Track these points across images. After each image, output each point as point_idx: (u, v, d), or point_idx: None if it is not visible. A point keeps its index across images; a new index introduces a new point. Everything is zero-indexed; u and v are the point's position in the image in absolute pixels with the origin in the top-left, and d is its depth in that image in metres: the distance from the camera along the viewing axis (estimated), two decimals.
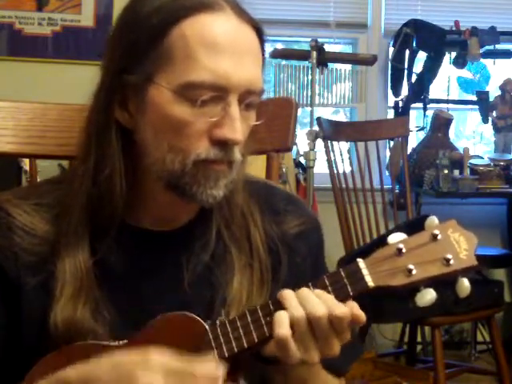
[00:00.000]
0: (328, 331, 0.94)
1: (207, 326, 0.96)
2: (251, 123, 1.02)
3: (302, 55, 3.21)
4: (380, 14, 3.94)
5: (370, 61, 3.27)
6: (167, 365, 0.88)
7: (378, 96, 3.96)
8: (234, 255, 1.08)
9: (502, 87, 3.88)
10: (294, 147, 3.18)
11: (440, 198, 3.55)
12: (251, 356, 0.98)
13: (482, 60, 3.89)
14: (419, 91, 3.83)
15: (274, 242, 1.11)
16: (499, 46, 3.87)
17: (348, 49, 4.08)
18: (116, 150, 1.01)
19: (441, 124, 3.75)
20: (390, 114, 3.95)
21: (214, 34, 0.97)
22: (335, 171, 2.99)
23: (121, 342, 0.97)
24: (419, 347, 3.65)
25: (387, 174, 3.60)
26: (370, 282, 0.96)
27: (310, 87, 3.18)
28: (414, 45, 3.80)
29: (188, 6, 0.97)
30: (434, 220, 1.00)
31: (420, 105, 3.88)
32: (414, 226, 1.00)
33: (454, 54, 3.86)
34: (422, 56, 3.85)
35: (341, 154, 3.02)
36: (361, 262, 0.97)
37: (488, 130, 4.02)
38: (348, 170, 3.06)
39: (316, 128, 3.01)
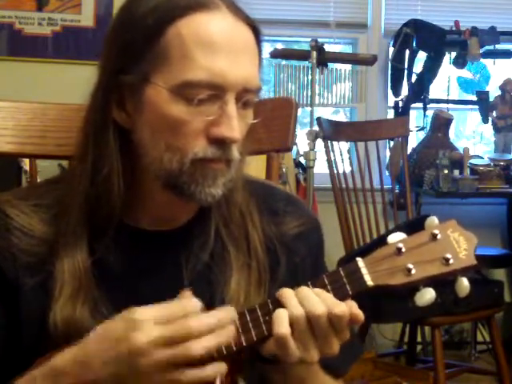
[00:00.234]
0: (327, 330, 0.94)
1: None
2: (249, 121, 1.02)
3: (302, 55, 3.21)
4: (380, 14, 3.93)
5: (369, 61, 3.26)
6: (154, 316, 0.88)
7: (378, 96, 3.96)
8: (231, 254, 1.08)
9: (501, 87, 3.87)
10: (294, 147, 3.18)
11: (440, 198, 3.55)
12: (250, 355, 0.98)
13: (482, 60, 3.89)
14: (419, 91, 3.83)
15: (272, 242, 1.11)
16: (499, 46, 3.86)
17: (348, 49, 4.08)
18: (114, 149, 1.01)
19: (441, 124, 3.74)
20: (390, 114, 3.95)
21: (210, 32, 0.97)
22: (335, 171, 2.99)
23: None
24: (419, 347, 3.65)
25: (387, 174, 3.60)
26: (369, 281, 0.96)
27: (310, 87, 3.18)
28: (414, 45, 3.79)
29: (184, 5, 0.97)
30: (433, 220, 1.00)
31: (420, 105, 3.88)
32: (413, 226, 1.00)
33: (453, 54, 3.86)
34: (422, 56, 3.85)
35: (341, 154, 3.02)
36: (360, 261, 0.97)
37: (488, 129, 4.02)
38: (348, 170, 3.06)
39: (316, 128, 3.00)
